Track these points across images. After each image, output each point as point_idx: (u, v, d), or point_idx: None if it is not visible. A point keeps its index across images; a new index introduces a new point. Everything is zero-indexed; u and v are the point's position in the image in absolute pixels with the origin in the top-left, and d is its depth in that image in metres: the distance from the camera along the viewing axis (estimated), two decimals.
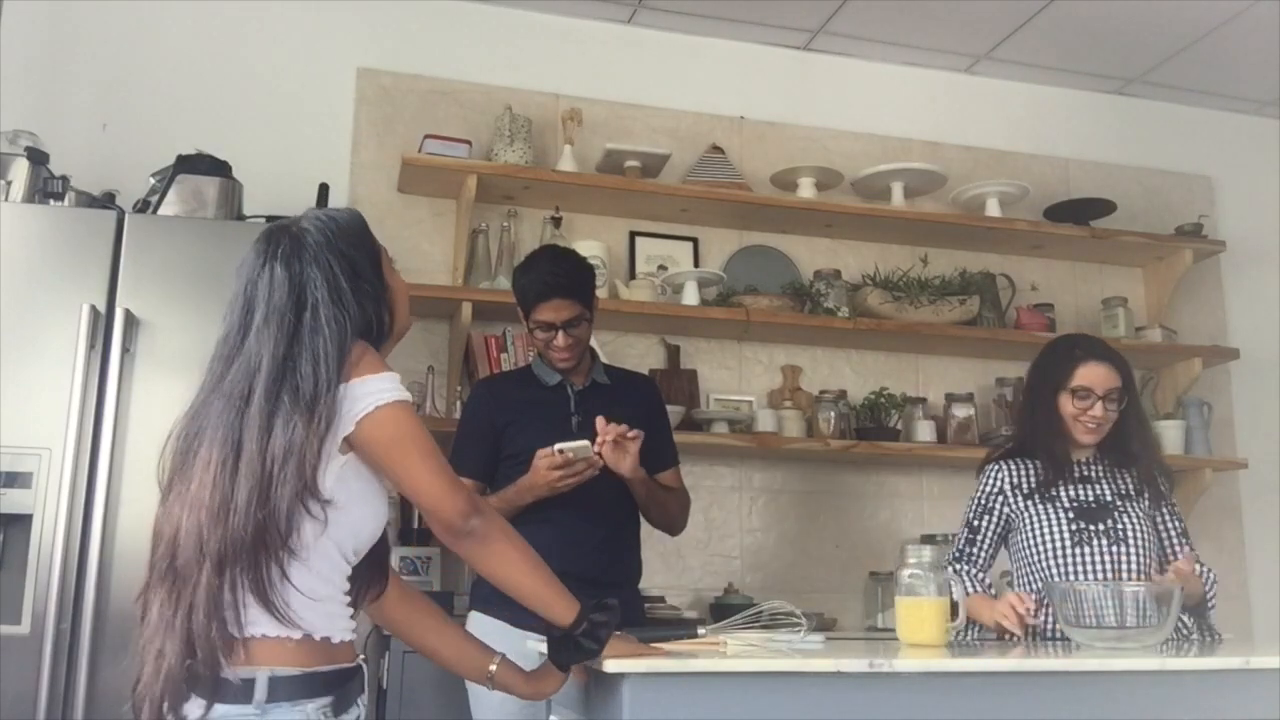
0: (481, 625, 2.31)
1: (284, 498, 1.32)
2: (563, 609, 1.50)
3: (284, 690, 1.33)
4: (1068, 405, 2.41)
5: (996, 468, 2.48)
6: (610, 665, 1.46)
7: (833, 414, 3.57)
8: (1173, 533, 2.48)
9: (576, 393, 2.53)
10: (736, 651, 1.68)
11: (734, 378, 3.66)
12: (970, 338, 3.71)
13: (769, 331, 3.63)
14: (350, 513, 1.40)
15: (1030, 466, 2.45)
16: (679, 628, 1.85)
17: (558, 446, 2.31)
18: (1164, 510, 2.48)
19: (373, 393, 1.39)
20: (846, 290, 3.67)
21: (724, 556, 3.56)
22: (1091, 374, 2.41)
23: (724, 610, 3.08)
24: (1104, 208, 3.96)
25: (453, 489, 1.43)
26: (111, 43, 3.37)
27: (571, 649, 1.49)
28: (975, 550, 2.44)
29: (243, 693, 1.32)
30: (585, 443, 2.33)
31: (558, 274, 2.49)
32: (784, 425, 3.53)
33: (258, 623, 1.34)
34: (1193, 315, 4.16)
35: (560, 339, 2.46)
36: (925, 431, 3.60)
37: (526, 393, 2.54)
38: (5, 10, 3.24)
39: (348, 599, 1.45)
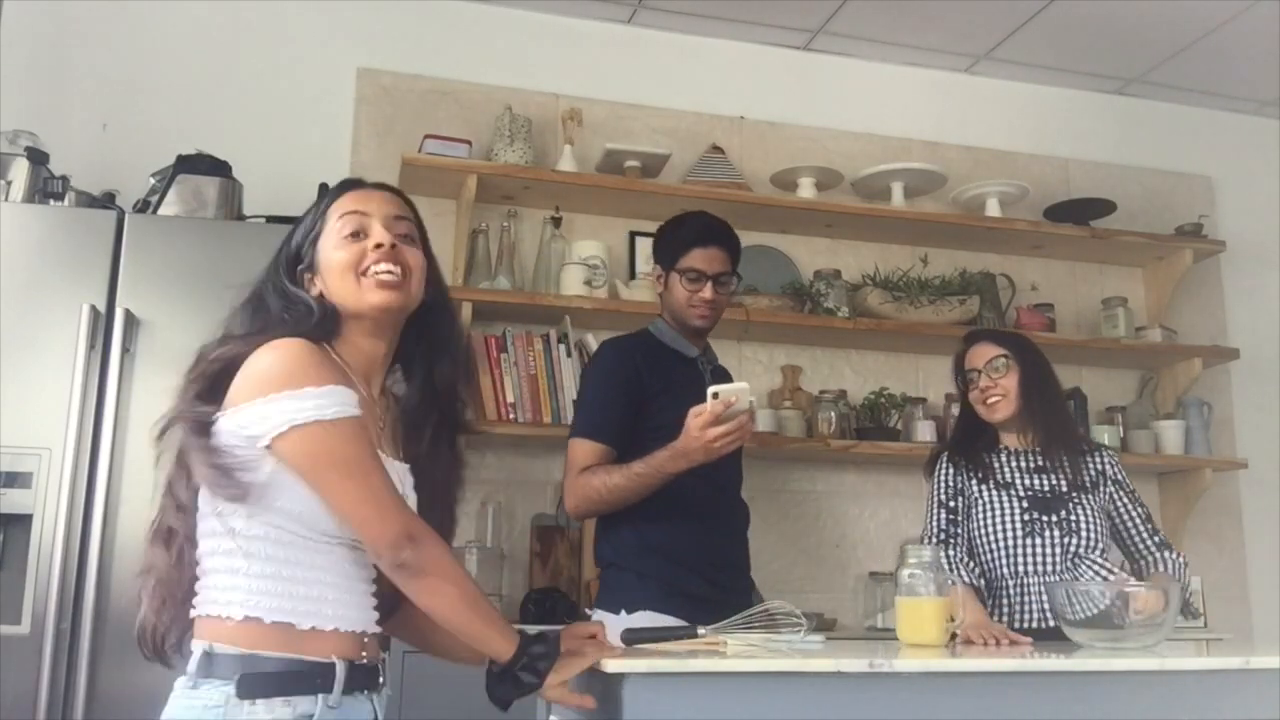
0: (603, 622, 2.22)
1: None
2: (501, 644, 1.40)
3: (216, 667, 1.33)
4: (971, 394, 2.53)
5: (948, 455, 2.56)
6: (610, 665, 1.46)
7: (833, 414, 3.57)
8: (1137, 520, 2.49)
9: (710, 370, 2.51)
10: (736, 651, 1.68)
11: (734, 378, 3.66)
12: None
13: (769, 331, 3.63)
14: (297, 490, 1.34)
15: (971, 458, 2.52)
16: (679, 628, 1.84)
17: (713, 389, 2.07)
18: (1123, 497, 2.50)
19: (285, 412, 1.31)
20: (846, 290, 3.67)
21: None
22: (975, 354, 2.54)
23: None
24: (1104, 208, 3.96)
25: (382, 516, 1.33)
26: (111, 43, 3.37)
27: (510, 684, 1.41)
28: (958, 530, 2.46)
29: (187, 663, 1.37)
30: (745, 385, 2.09)
31: (716, 223, 2.51)
32: (784, 425, 3.53)
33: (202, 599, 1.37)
34: (1193, 315, 4.16)
35: (709, 291, 2.42)
36: (925, 431, 3.59)
37: (669, 361, 2.42)
38: (5, 10, 3.24)
39: (324, 583, 1.36)
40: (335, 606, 1.36)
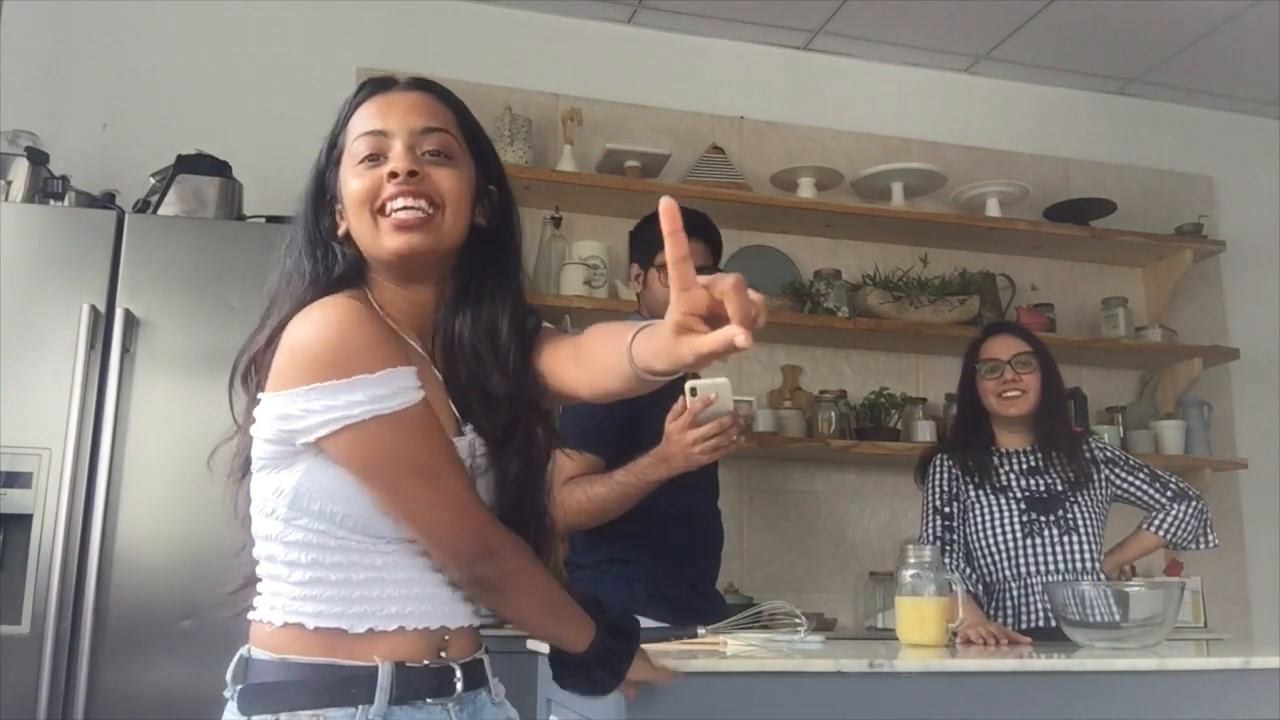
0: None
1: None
2: (576, 638, 1.24)
3: (251, 675, 1.15)
4: (984, 384, 2.51)
5: (943, 457, 2.54)
6: None
7: (833, 414, 3.57)
8: (1142, 484, 2.52)
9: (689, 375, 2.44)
10: (736, 651, 1.68)
11: (734, 378, 3.63)
12: (970, 338, 3.70)
13: (769, 331, 3.60)
14: (339, 492, 1.13)
15: (969, 460, 2.51)
16: (679, 628, 1.84)
17: (691, 384, 1.80)
18: (1119, 473, 2.52)
19: (334, 408, 1.08)
20: (846, 290, 3.67)
21: (724, 556, 3.54)
22: (998, 345, 2.53)
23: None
24: (1104, 208, 3.96)
25: (456, 525, 1.13)
26: (111, 43, 3.37)
27: (583, 678, 1.25)
28: (954, 536, 2.46)
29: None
30: (725, 380, 1.79)
31: (695, 215, 2.36)
32: (784, 425, 3.53)
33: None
34: (1193, 315, 4.15)
35: None
36: (925, 431, 3.59)
37: None
38: (5, 10, 3.24)
39: (386, 580, 1.14)
40: (402, 603, 1.14)
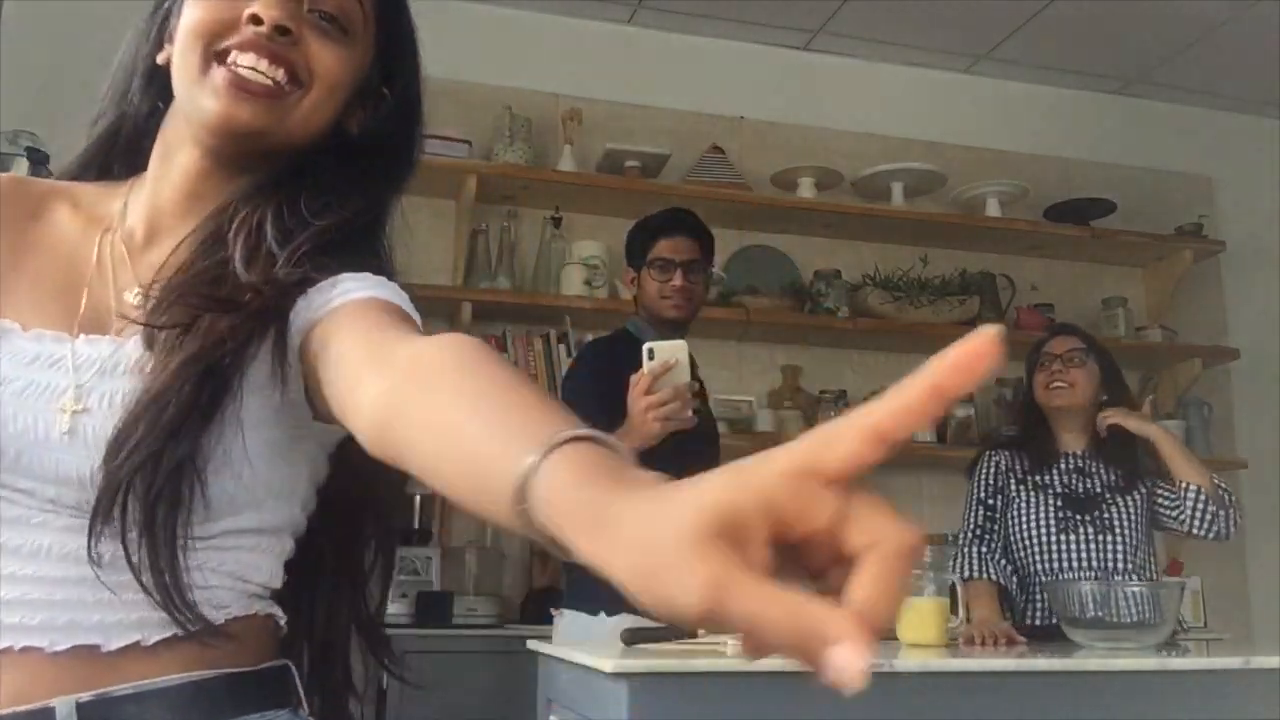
0: (576, 622, 2.22)
1: None
2: None
3: None
4: (1038, 376, 2.61)
5: (994, 453, 2.63)
6: (609, 665, 1.46)
7: (833, 414, 3.57)
8: (1174, 499, 2.53)
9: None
10: (736, 651, 1.68)
11: (734, 378, 3.66)
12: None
13: (769, 331, 3.63)
14: None
15: (1022, 457, 2.58)
16: (679, 628, 1.84)
17: (648, 345, 1.92)
18: (1160, 490, 2.54)
19: None
20: (846, 290, 3.67)
21: None
22: (1055, 343, 2.64)
23: None
24: (1104, 208, 3.96)
25: None
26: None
27: None
28: (995, 527, 2.52)
29: None
30: (683, 343, 1.86)
31: (683, 213, 2.51)
32: (784, 425, 3.53)
33: None
34: (1193, 315, 4.16)
35: (679, 279, 2.34)
36: (925, 431, 3.60)
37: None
38: (5, 10, 3.24)
39: None
40: None
